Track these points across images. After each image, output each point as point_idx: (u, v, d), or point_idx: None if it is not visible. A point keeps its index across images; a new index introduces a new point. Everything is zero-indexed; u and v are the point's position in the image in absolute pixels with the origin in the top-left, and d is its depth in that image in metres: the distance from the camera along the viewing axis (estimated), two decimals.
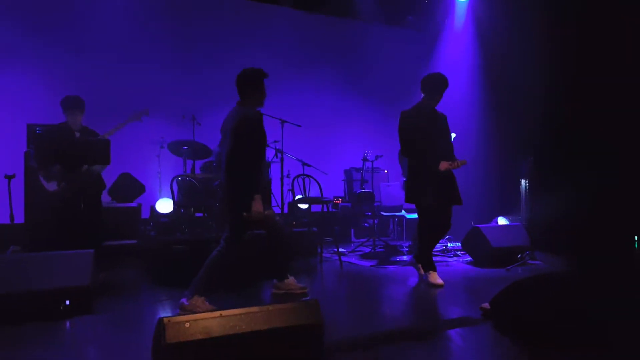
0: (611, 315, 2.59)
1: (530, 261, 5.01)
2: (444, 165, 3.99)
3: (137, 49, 6.52)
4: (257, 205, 3.18)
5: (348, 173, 7.51)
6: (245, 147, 3.20)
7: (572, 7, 5.36)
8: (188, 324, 1.90)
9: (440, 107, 4.29)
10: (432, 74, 4.18)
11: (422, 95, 4.20)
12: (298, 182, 5.45)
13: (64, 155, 3.77)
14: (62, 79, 5.92)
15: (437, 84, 4.10)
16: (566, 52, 5.45)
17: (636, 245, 4.65)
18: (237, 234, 3.28)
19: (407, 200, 4.19)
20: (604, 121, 4.96)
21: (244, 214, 3.16)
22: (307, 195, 5.42)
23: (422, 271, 4.26)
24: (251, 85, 3.39)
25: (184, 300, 3.14)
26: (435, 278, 4.06)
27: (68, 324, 2.99)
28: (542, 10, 5.66)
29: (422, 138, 4.07)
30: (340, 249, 5.35)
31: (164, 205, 5.63)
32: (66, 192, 3.98)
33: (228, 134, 3.26)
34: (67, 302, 3.11)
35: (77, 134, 4.28)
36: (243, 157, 3.21)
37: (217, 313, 2.00)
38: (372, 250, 5.84)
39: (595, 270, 3.44)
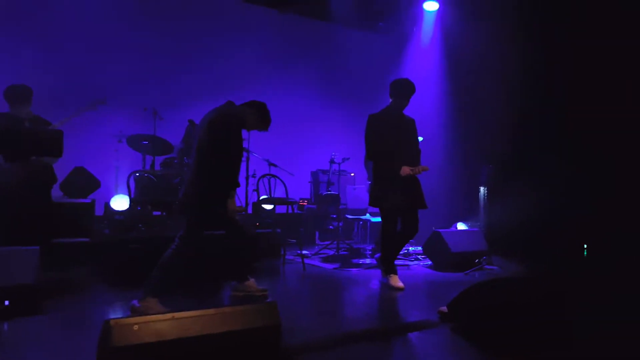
0: (567, 317, 2.66)
1: (487, 266, 5.12)
2: (405, 171, 4.03)
3: (98, 35, 6.23)
4: (233, 204, 3.10)
5: (315, 175, 7.47)
6: (225, 142, 3.11)
7: (537, 18, 5.53)
8: (137, 326, 1.79)
9: (407, 113, 4.32)
10: (400, 79, 4.23)
11: (390, 99, 4.23)
12: (263, 182, 5.36)
13: (9, 144, 3.53)
14: (11, 65, 5.57)
15: (404, 89, 4.14)
16: (530, 63, 5.61)
17: (585, 253, 4.84)
18: (195, 233, 3.16)
19: (371, 203, 4.21)
20: (560, 131, 5.15)
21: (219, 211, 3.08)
22: (272, 195, 5.33)
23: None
24: (262, 117, 3.42)
25: (135, 302, 2.99)
26: (396, 281, 4.06)
27: (6, 325, 2.79)
28: (507, 21, 5.82)
29: (387, 142, 4.09)
30: (304, 251, 5.29)
31: (120, 202, 5.40)
32: (10, 185, 3.73)
33: (207, 128, 3.15)
34: (7, 303, 2.91)
35: (27, 124, 4.04)
36: (222, 153, 3.11)
37: (169, 315, 1.90)
38: (336, 253, 5.81)
39: (549, 275, 3.54)
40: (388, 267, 4.16)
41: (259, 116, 3.42)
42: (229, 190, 3.15)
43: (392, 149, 4.09)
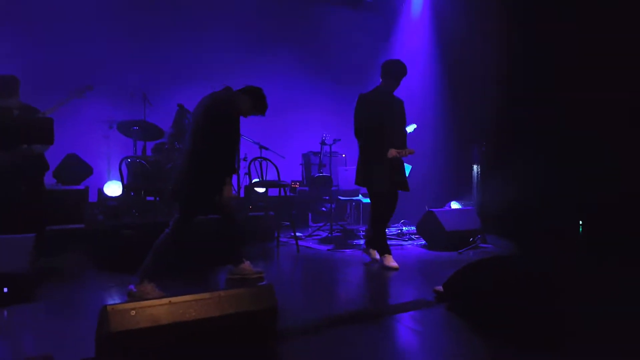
0: (560, 295, 2.71)
1: (481, 244, 5.17)
2: (392, 153, 4.07)
3: (82, 20, 6.10)
4: (229, 191, 3.11)
5: (306, 157, 7.46)
6: (221, 128, 3.08)
7: None
8: (134, 311, 1.81)
9: (397, 93, 4.32)
10: (392, 60, 4.22)
11: (381, 80, 4.22)
12: (255, 165, 5.35)
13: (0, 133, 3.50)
14: None
15: (395, 71, 4.14)
16: (521, 38, 5.58)
17: (580, 230, 4.89)
18: (188, 217, 3.17)
19: (357, 182, 4.27)
20: (554, 110, 5.16)
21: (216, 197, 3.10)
22: (264, 178, 5.33)
23: (374, 256, 4.31)
24: (258, 103, 3.40)
25: (131, 286, 3.01)
26: (390, 261, 4.11)
27: (5, 312, 2.81)
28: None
29: (376, 122, 4.11)
30: (298, 233, 5.33)
31: (113, 188, 5.39)
32: (3, 174, 3.71)
33: (203, 114, 3.13)
34: (5, 290, 2.92)
35: (16, 112, 3.99)
36: (218, 139, 3.09)
37: (166, 300, 1.91)
38: (329, 235, 5.85)
39: (542, 253, 3.59)
40: (382, 247, 4.20)
41: (256, 102, 3.40)
42: (225, 176, 3.15)
43: (380, 130, 4.11)
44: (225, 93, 3.29)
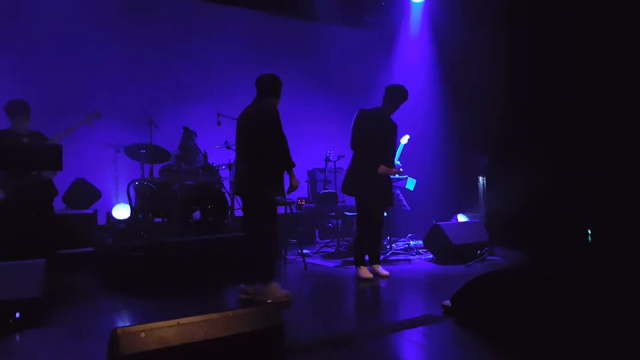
0: (570, 308, 2.68)
1: (489, 257, 5.14)
2: (382, 169, 4.32)
3: (88, 49, 6.26)
4: (293, 179, 3.65)
5: (311, 174, 7.50)
6: (273, 133, 3.51)
7: (527, 6, 5.54)
8: (143, 334, 1.84)
9: (399, 107, 4.46)
10: (396, 86, 4.45)
11: (382, 101, 4.45)
12: None
13: (10, 161, 3.58)
14: (7, 81, 5.62)
15: (397, 95, 4.39)
16: (521, 50, 5.64)
17: (589, 239, 4.86)
18: (272, 210, 3.56)
19: (344, 190, 4.46)
20: (555, 118, 5.18)
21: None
22: None
23: (363, 274, 4.34)
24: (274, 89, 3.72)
25: (258, 286, 3.41)
26: (365, 272, 4.29)
27: (18, 337, 2.84)
28: (497, 11, 5.84)
29: (371, 137, 4.33)
30: (305, 250, 5.34)
31: (121, 211, 5.44)
32: (14, 200, 3.79)
33: (254, 122, 3.57)
34: (18, 315, 2.96)
35: (25, 139, 4.09)
36: (272, 142, 3.51)
37: (174, 322, 1.94)
38: (337, 251, 5.85)
39: (553, 265, 3.56)
40: (358, 259, 4.37)
41: (273, 89, 3.72)
42: (284, 169, 3.64)
43: (374, 145, 4.33)
44: (263, 102, 3.66)
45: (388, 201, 4.50)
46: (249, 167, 3.58)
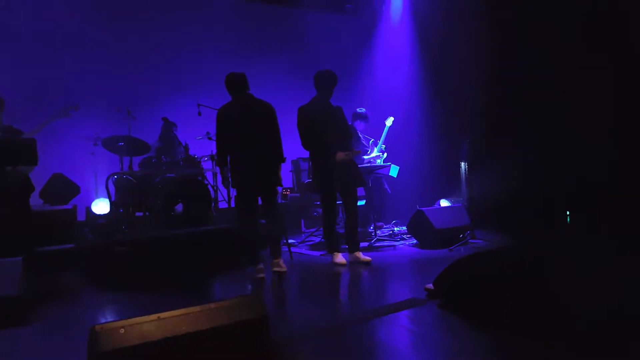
0: (546, 288, 2.72)
1: (471, 240, 5.20)
2: (340, 156, 4.40)
3: (64, 41, 6.07)
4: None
5: (295, 163, 7.44)
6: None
7: None
8: (123, 330, 1.80)
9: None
10: (322, 72, 4.60)
11: (316, 91, 4.58)
12: None
13: None
14: None
15: (326, 81, 4.54)
16: (502, 37, 5.64)
17: (568, 220, 4.94)
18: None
19: (312, 190, 4.53)
20: (536, 104, 5.21)
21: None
22: None
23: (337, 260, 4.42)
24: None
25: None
26: (339, 257, 4.40)
27: None
28: None
29: (318, 131, 4.43)
30: (290, 240, 5.32)
31: (101, 206, 5.34)
32: None
33: (264, 114, 4.19)
34: None
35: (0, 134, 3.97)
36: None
37: (155, 316, 1.90)
38: (322, 240, 5.84)
39: (531, 246, 3.61)
40: (331, 245, 4.49)
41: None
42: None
43: (323, 137, 4.41)
44: (259, 99, 4.27)
45: (356, 181, 4.55)
46: (274, 155, 4.22)
